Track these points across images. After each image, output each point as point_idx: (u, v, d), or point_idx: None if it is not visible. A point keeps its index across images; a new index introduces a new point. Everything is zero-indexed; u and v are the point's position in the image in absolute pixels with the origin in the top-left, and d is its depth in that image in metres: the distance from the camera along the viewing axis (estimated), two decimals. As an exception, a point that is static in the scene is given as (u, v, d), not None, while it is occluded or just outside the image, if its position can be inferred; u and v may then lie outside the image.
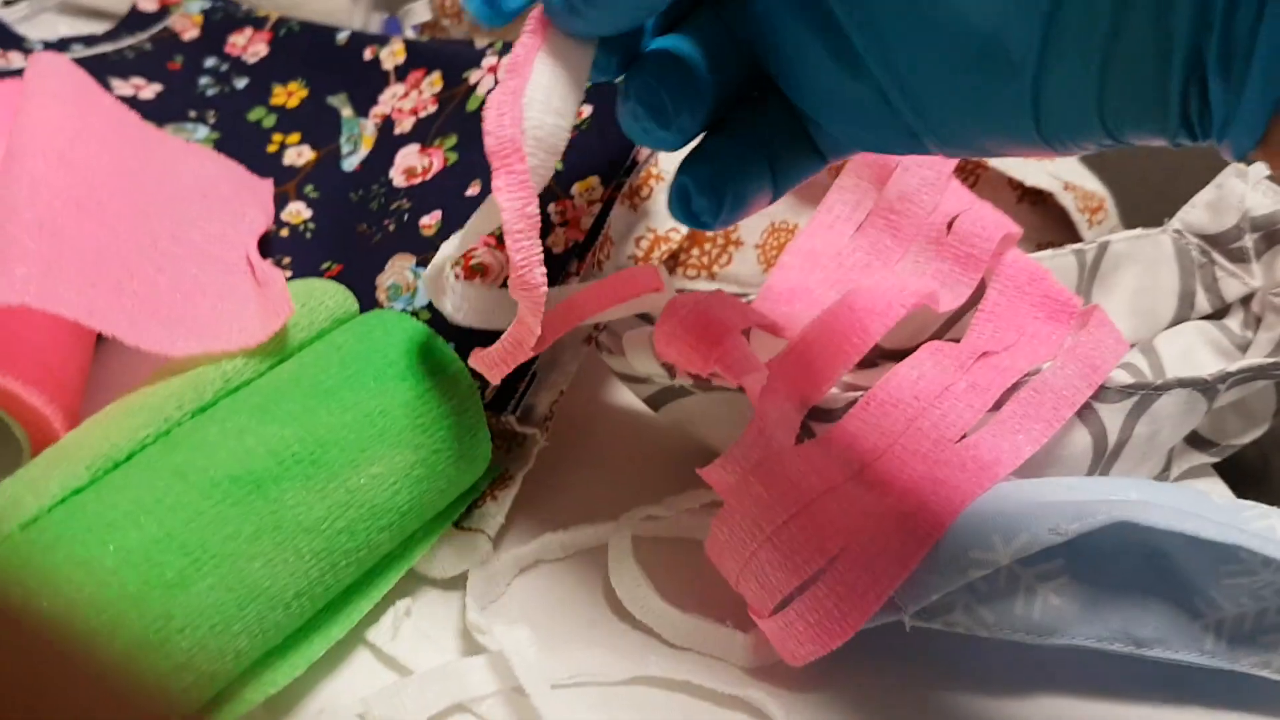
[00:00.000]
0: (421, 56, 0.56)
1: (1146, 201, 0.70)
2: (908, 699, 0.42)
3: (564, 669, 0.40)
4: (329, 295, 0.42)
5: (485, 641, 0.40)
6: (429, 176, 0.51)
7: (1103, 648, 0.42)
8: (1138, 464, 0.50)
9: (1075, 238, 0.60)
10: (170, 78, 0.61)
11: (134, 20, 0.68)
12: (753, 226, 0.57)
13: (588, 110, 0.49)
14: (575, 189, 0.47)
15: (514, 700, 0.39)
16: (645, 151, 0.47)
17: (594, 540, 0.45)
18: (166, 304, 0.41)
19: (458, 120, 0.52)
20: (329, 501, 0.37)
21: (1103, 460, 0.48)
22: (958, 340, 0.49)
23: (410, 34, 0.62)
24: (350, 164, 0.55)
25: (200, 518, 0.34)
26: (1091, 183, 0.61)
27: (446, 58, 0.55)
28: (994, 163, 0.57)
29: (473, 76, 0.53)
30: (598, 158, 0.48)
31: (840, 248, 0.52)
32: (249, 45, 0.62)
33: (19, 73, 0.59)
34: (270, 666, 0.37)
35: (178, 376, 0.39)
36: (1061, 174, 0.61)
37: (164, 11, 0.68)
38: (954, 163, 0.52)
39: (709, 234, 0.56)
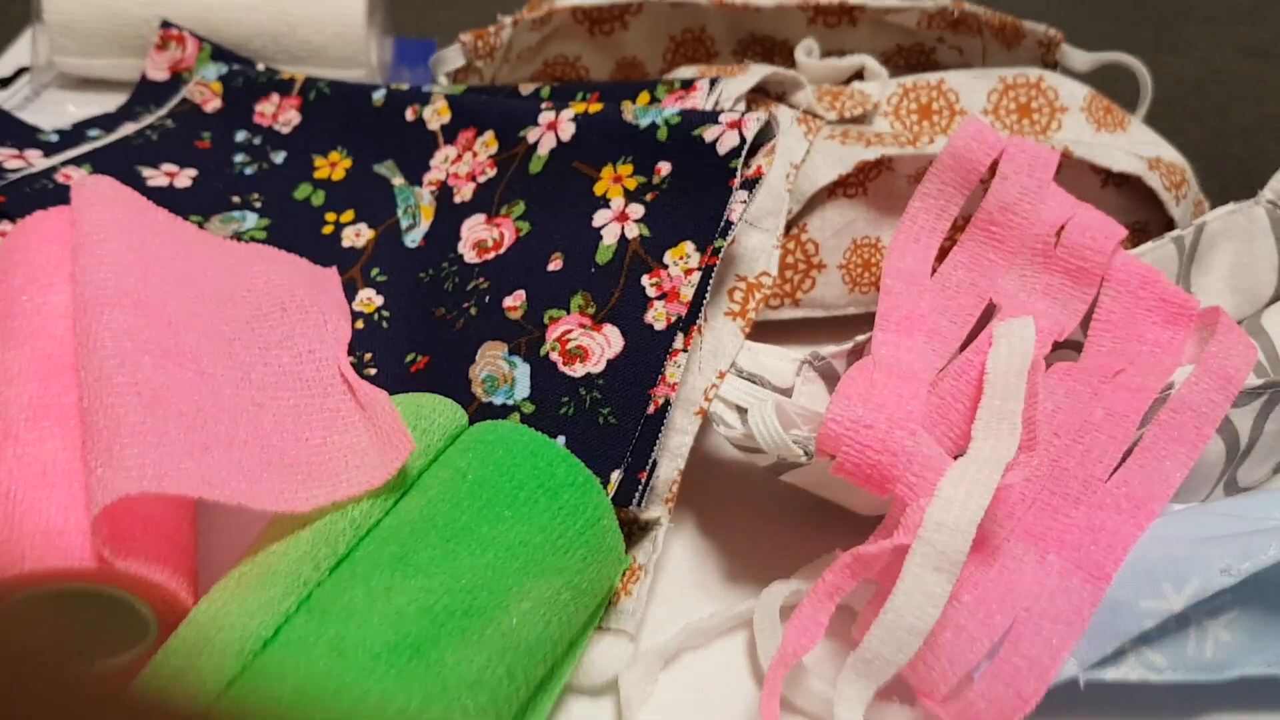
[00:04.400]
0: (468, 114, 0.54)
1: (1229, 166, 0.68)
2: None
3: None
4: (439, 413, 0.40)
5: (654, 757, 0.39)
6: (503, 250, 0.49)
7: (1272, 673, 0.41)
8: (1264, 459, 0.48)
9: (1162, 215, 0.57)
10: (203, 159, 0.58)
11: (146, 92, 0.65)
12: (833, 247, 0.54)
13: (666, 167, 0.46)
14: (668, 257, 0.45)
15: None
16: (738, 209, 0.45)
17: (734, 622, 0.44)
18: (277, 449, 0.39)
19: (522, 185, 0.50)
20: (487, 650, 0.35)
21: (1234, 462, 0.47)
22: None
23: (444, 81, 0.59)
24: (413, 239, 0.52)
25: (368, 698, 0.32)
26: (1169, 153, 0.59)
27: (497, 114, 0.53)
28: (1076, 150, 0.54)
29: (530, 135, 0.51)
30: (687, 219, 0.45)
31: (942, 268, 0.49)
32: (279, 114, 0.59)
33: (47, 180, 0.56)
34: (449, 826, 0.35)
35: (305, 530, 0.37)
36: (1139, 149, 0.59)
37: (176, 80, 0.65)
38: (1054, 167, 0.49)
39: (790, 260, 0.54)
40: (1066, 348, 0.49)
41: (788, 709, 0.41)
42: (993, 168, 0.51)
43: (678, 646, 0.43)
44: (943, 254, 0.51)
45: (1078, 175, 0.56)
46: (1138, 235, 0.58)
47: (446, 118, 0.54)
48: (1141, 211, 0.58)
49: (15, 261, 0.44)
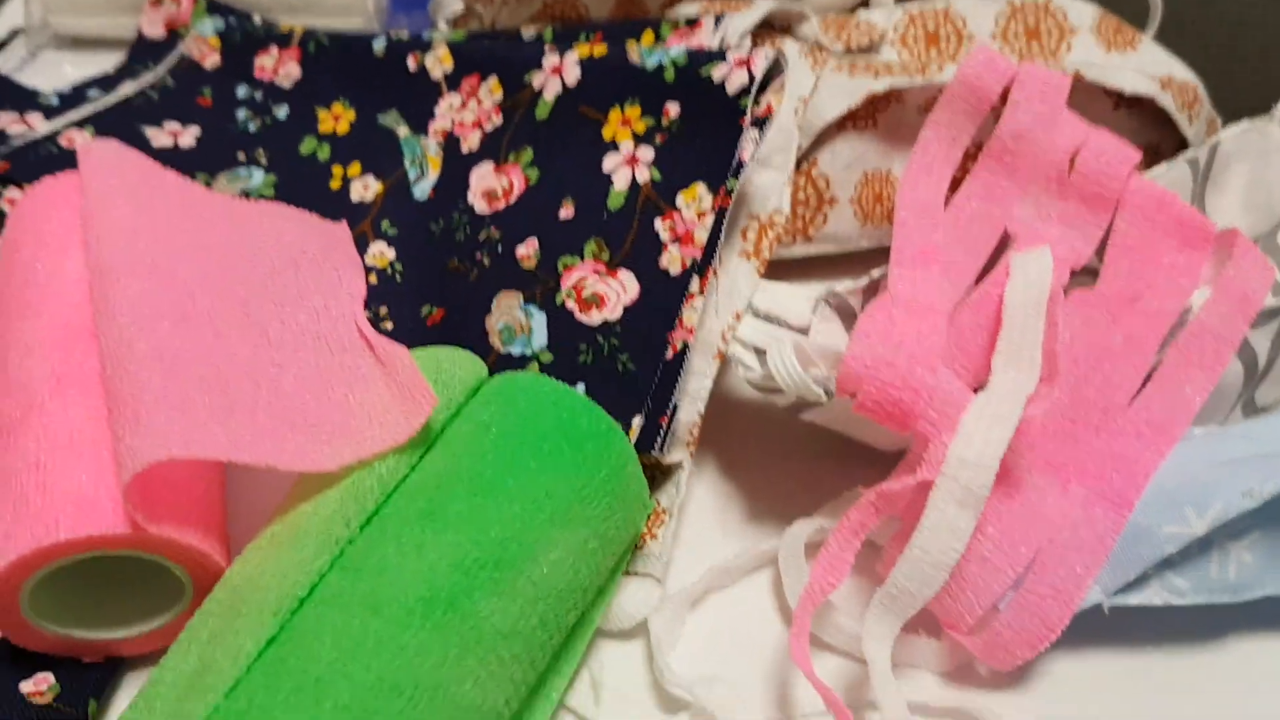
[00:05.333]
0: (471, 61, 0.53)
1: (1242, 83, 0.67)
2: (1108, 679, 0.41)
3: (766, 708, 0.40)
4: (459, 366, 0.41)
5: (686, 699, 0.39)
6: (513, 199, 0.48)
7: (1294, 590, 0.42)
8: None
9: (1175, 135, 0.57)
10: (205, 117, 0.57)
11: (143, 50, 0.64)
12: (844, 181, 0.54)
13: (675, 109, 0.46)
14: (681, 199, 0.45)
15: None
16: (749, 149, 0.44)
17: (759, 561, 0.44)
18: (299, 408, 0.39)
19: (529, 132, 0.49)
20: (520, 601, 0.35)
21: (1252, 383, 0.47)
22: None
23: (443, 27, 0.58)
24: (422, 191, 0.52)
25: (404, 652, 0.33)
26: (1180, 71, 0.58)
27: (499, 60, 0.52)
28: (1088, 73, 0.54)
29: (535, 80, 0.50)
30: (698, 160, 0.45)
31: (955, 199, 0.49)
32: (279, 67, 0.58)
33: (51, 145, 0.56)
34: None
35: (333, 488, 0.37)
36: (1150, 68, 0.58)
37: (173, 37, 0.64)
38: (1065, 92, 0.49)
39: (800, 196, 0.53)
40: (1083, 274, 0.49)
41: (816, 645, 0.42)
42: (1004, 95, 0.50)
43: (704, 587, 0.43)
44: (955, 185, 0.51)
45: (1089, 98, 0.56)
46: (1151, 156, 0.57)
47: (449, 65, 0.54)
48: (1154, 132, 0.57)
49: (27, 230, 0.44)
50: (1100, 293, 0.46)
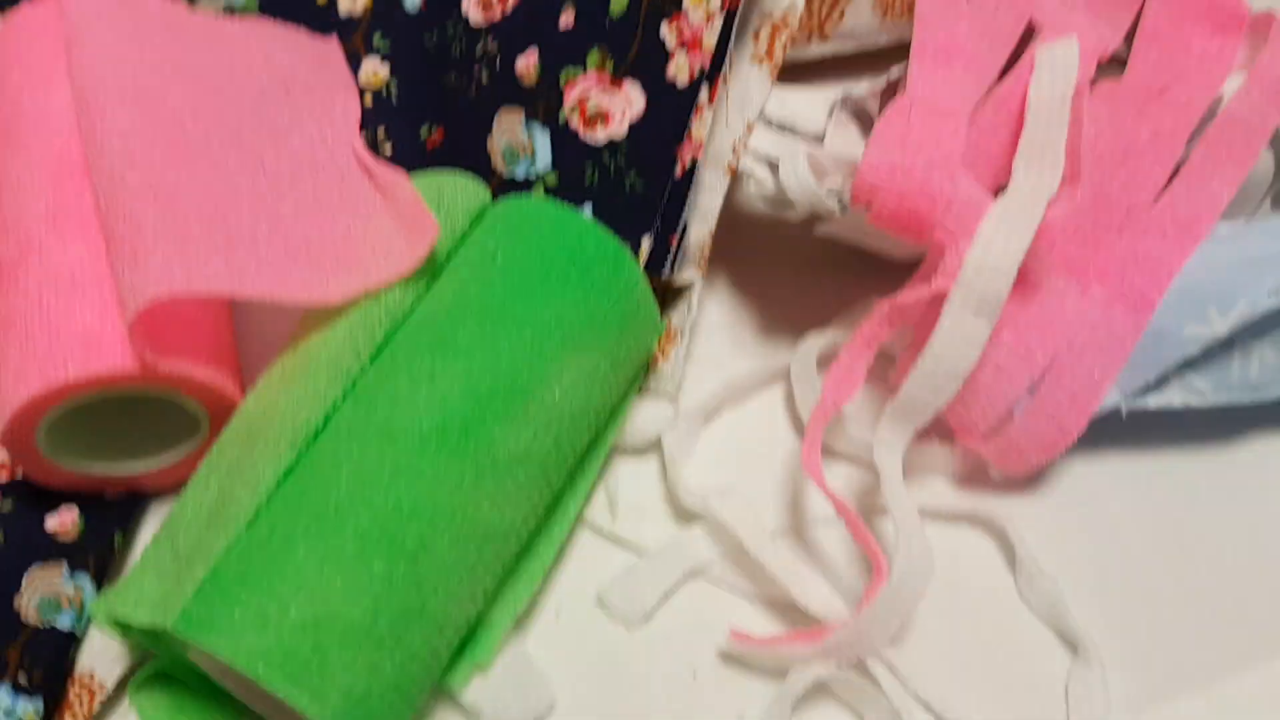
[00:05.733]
0: None
1: None
2: (1124, 481, 0.41)
3: (779, 517, 0.41)
4: (461, 191, 0.39)
5: (700, 510, 0.40)
6: (509, 8, 0.46)
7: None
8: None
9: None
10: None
11: None
12: (860, -27, 0.51)
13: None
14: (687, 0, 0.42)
15: (740, 558, 0.39)
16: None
17: (772, 376, 0.44)
18: (301, 239, 0.38)
19: (524, -69, 0.46)
20: (534, 425, 0.35)
21: (1285, 174, 0.45)
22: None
23: None
24: (413, 2, 0.49)
25: (421, 478, 0.33)
26: None
27: None
28: None
29: (526, -128, 0.47)
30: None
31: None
32: None
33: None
34: (511, 588, 0.37)
35: (342, 319, 0.37)
36: None
37: None
38: None
39: (814, -10, 0.50)
40: (1111, 65, 0.47)
41: (829, 455, 0.42)
42: None
43: (717, 403, 0.43)
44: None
45: None
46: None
47: None
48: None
49: (9, 63, 0.42)
50: (1127, 85, 0.44)
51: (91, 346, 0.35)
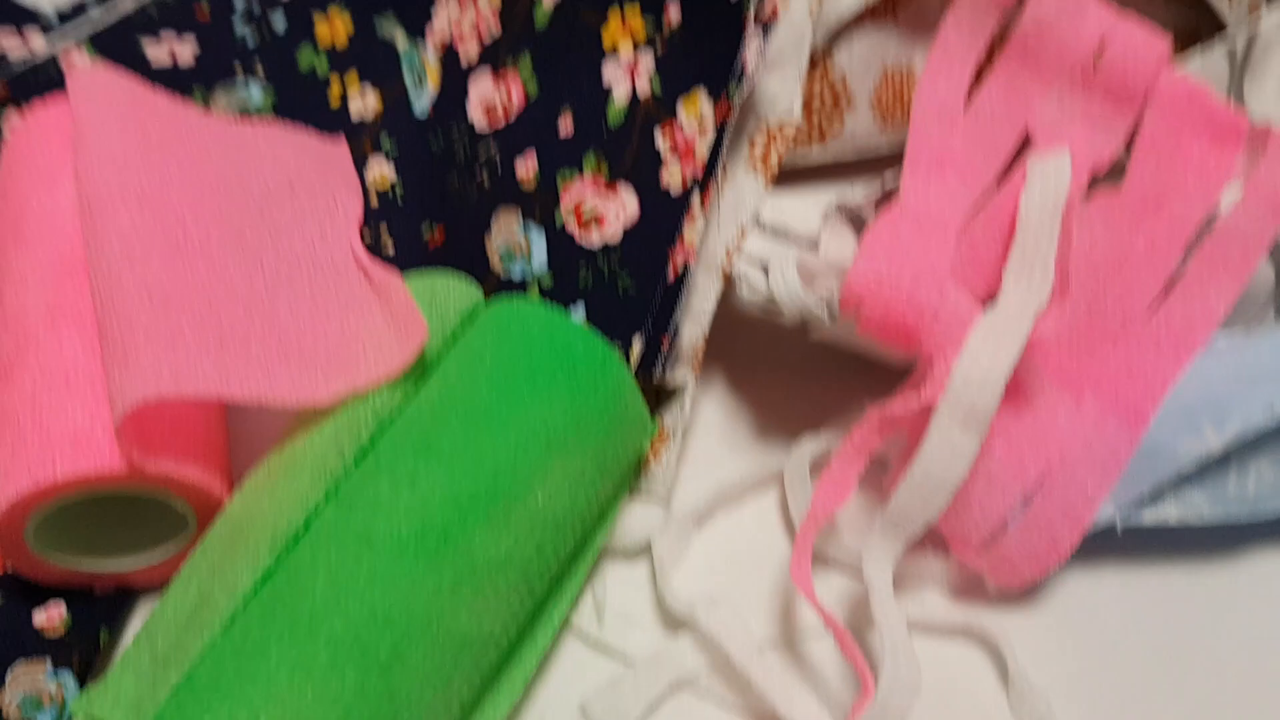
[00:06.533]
0: (468, -38, 0.51)
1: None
2: (1121, 597, 0.41)
3: (768, 627, 0.40)
4: (453, 292, 0.40)
5: (688, 619, 0.39)
6: (512, 115, 0.47)
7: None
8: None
9: (1213, 18, 0.53)
10: (203, 30, 0.56)
11: (142, -39, 0.63)
12: (862, 80, 0.52)
13: (675, 12, 0.44)
14: (681, 109, 0.43)
15: (727, 670, 0.39)
16: (753, 54, 0.42)
17: (765, 480, 0.44)
18: (294, 340, 0.38)
19: (528, 39, 0.47)
20: (515, 531, 0.35)
21: (1286, 285, 0.45)
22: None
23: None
24: (421, 106, 0.50)
25: (398, 585, 0.33)
26: (1224, -51, 0.54)
27: (497, -39, 0.50)
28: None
29: (533, -16, 0.48)
30: (699, 66, 0.43)
31: (975, 98, 0.47)
32: (275, -26, 0.56)
33: (51, 68, 0.55)
34: (491, 698, 0.37)
35: (329, 420, 0.37)
36: (1191, -52, 0.54)
37: (171, -54, 0.62)
38: (1090, -20, 0.46)
39: (816, 97, 0.51)
40: (1110, 172, 0.47)
41: (821, 563, 0.42)
42: (1028, -17, 0.47)
43: (709, 507, 0.43)
44: (980, 79, 0.48)
45: (1123, -22, 0.53)
46: (1189, 39, 0.54)
47: (446, -33, 0.52)
48: (1193, 15, 0.54)
49: (20, 161, 0.43)
50: (1124, 195, 0.44)
51: (81, 446, 0.36)
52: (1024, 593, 0.40)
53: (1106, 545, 0.40)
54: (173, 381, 0.34)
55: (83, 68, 0.46)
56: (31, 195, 0.42)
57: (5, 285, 0.40)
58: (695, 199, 0.42)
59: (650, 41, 0.44)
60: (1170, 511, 0.39)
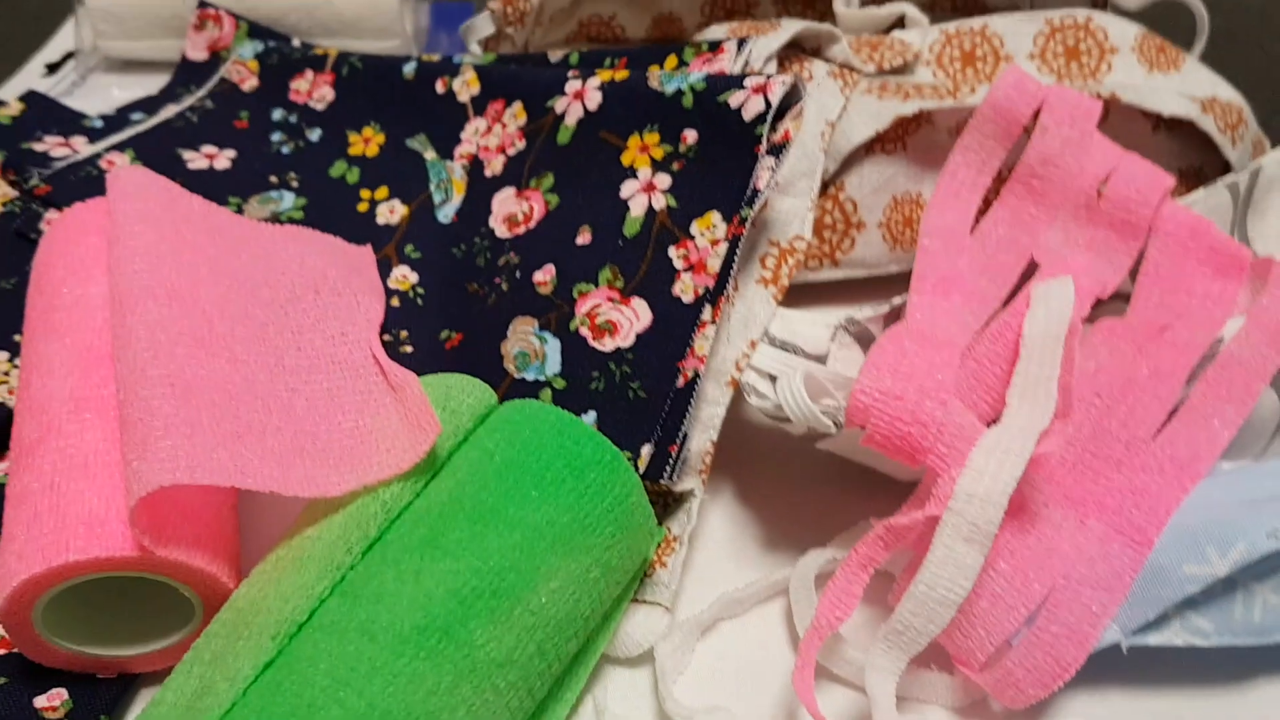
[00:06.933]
0: (497, 85, 0.53)
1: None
2: (1127, 717, 0.40)
3: (773, 742, 0.39)
4: (467, 394, 0.41)
5: (689, 728, 0.39)
6: (532, 224, 0.48)
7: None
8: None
9: (1219, 157, 0.55)
10: (241, 139, 0.59)
11: (186, 72, 0.66)
12: (872, 205, 0.53)
13: (692, 135, 0.46)
14: (695, 227, 0.44)
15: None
16: (765, 177, 0.44)
17: (771, 591, 0.44)
18: (309, 434, 0.39)
19: (550, 156, 0.49)
20: (516, 630, 0.35)
21: (1291, 415, 0.45)
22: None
23: (475, 49, 0.59)
24: (446, 215, 0.52)
25: (398, 679, 0.33)
26: (1225, 92, 0.57)
27: (525, 85, 0.52)
28: (1125, 95, 0.52)
29: (558, 105, 0.50)
30: (713, 188, 0.45)
31: (982, 225, 0.48)
32: (313, 90, 0.59)
33: (91, 167, 0.57)
34: (487, 800, 0.36)
35: (339, 513, 0.37)
36: (1192, 89, 0.56)
37: (215, 60, 0.65)
38: (1096, 117, 0.48)
39: (827, 220, 0.53)
40: (1115, 299, 0.48)
41: (825, 677, 0.41)
42: (1035, 117, 0.49)
43: (714, 616, 0.43)
44: (986, 208, 0.50)
45: (1127, 120, 0.55)
46: (1194, 179, 0.56)
47: (476, 89, 0.54)
48: (1196, 155, 0.56)
49: (56, 254, 0.45)
50: (1128, 323, 0.45)
51: (95, 529, 0.36)
52: (1029, 712, 0.40)
53: (1111, 666, 0.40)
54: (188, 469, 0.35)
55: (122, 167, 0.48)
56: (64, 287, 0.43)
57: (33, 372, 0.41)
58: (706, 310, 0.43)
59: (667, 162, 0.46)
60: (1176, 635, 0.39)
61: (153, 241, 0.43)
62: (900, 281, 0.54)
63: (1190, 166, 0.56)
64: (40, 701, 0.39)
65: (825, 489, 0.47)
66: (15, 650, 0.40)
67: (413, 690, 0.33)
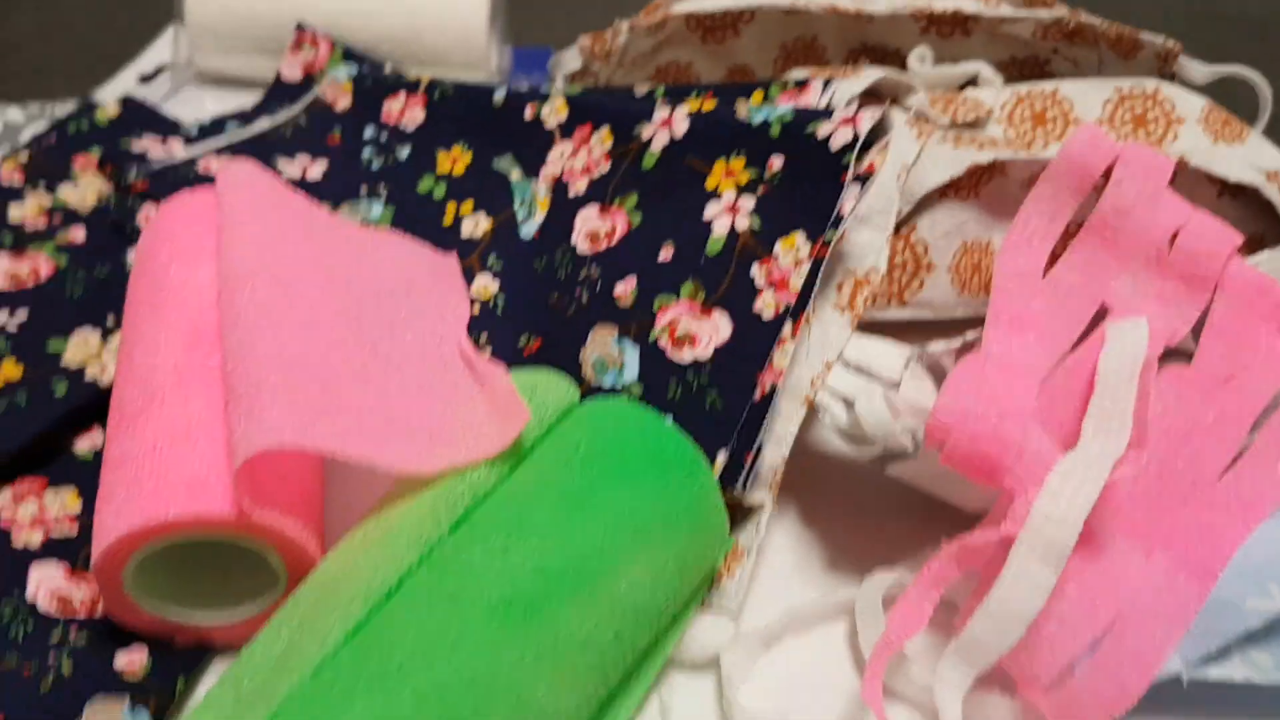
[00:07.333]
0: (585, 111, 0.55)
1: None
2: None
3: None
4: (552, 389, 0.42)
5: (754, 733, 0.40)
6: (615, 241, 0.50)
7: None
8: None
9: (1278, 225, 0.57)
10: (333, 153, 0.61)
11: (280, 91, 0.68)
12: (942, 248, 0.55)
13: (779, 162, 0.47)
14: (779, 247, 0.46)
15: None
16: (850, 203, 0.45)
17: (836, 609, 0.44)
18: (402, 416, 0.40)
19: (635, 178, 0.51)
20: (597, 613, 0.36)
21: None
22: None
23: (561, 84, 0.61)
24: (528, 231, 0.54)
25: (483, 649, 0.34)
26: (1288, 164, 0.58)
27: (612, 112, 0.54)
28: (1193, 159, 0.54)
29: (644, 131, 0.52)
30: (798, 211, 0.46)
31: (1055, 270, 0.50)
32: (405, 112, 0.61)
33: (188, 170, 0.59)
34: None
35: (427, 491, 0.38)
36: (1258, 160, 0.58)
37: (309, 80, 0.68)
38: (1169, 173, 0.49)
39: (898, 260, 0.54)
40: (1177, 355, 0.49)
41: (888, 695, 0.42)
42: (1106, 174, 0.51)
43: (779, 629, 0.43)
44: (1053, 261, 0.51)
45: (1193, 185, 0.56)
46: (1255, 247, 0.57)
47: (564, 115, 0.56)
48: (1259, 223, 0.57)
49: (162, 238, 0.47)
50: (1194, 371, 0.46)
51: (196, 490, 0.37)
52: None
53: (1171, 699, 0.40)
54: (295, 434, 0.36)
55: (231, 160, 0.50)
56: (171, 268, 0.45)
57: (137, 346, 0.43)
58: (787, 327, 0.44)
59: (752, 187, 0.48)
60: (1236, 670, 0.39)
61: (260, 231, 0.45)
62: (965, 326, 0.55)
63: (1253, 234, 0.57)
64: (120, 663, 0.40)
65: (890, 516, 0.47)
66: (96, 615, 0.41)
67: (497, 661, 0.34)
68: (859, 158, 0.46)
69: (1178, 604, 0.39)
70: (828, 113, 0.47)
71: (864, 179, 0.46)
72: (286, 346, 0.40)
